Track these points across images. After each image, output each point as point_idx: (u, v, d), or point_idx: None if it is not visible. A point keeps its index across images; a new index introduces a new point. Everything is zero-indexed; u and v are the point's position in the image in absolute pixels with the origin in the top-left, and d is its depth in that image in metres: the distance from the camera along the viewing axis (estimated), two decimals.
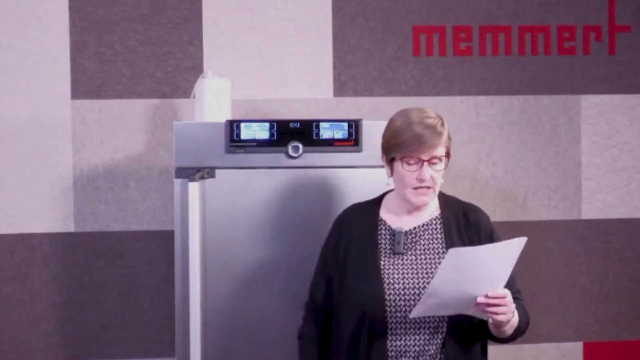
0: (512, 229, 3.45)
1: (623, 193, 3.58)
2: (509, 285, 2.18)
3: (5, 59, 3.29)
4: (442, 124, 2.28)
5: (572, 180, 3.54)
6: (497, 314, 2.14)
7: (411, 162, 2.26)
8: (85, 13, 3.32)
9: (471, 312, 2.18)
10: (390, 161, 2.32)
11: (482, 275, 2.10)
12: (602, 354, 3.56)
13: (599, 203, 3.56)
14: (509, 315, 2.17)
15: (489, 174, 3.50)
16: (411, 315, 2.19)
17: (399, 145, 2.27)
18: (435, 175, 2.28)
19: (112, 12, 3.33)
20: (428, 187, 2.28)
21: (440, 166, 2.28)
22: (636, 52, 3.57)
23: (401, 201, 2.36)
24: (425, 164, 2.25)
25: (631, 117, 3.58)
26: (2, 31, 3.29)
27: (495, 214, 3.45)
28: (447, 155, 2.30)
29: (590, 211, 3.55)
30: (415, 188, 2.28)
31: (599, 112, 3.56)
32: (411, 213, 2.36)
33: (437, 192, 2.33)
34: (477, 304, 2.13)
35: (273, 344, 2.76)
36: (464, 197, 2.52)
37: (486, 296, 2.11)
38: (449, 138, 2.31)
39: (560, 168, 3.53)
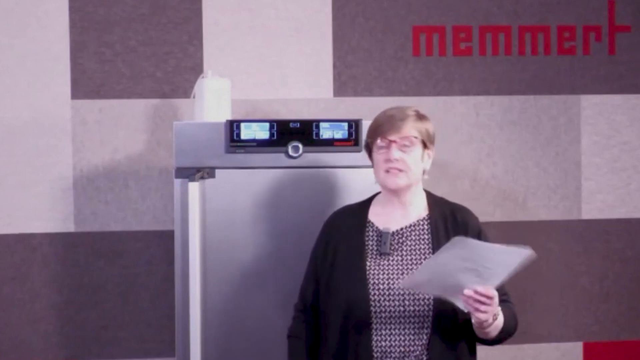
0: (512, 229, 3.46)
1: (623, 193, 3.58)
2: (498, 286, 2.17)
3: (5, 59, 3.29)
4: (418, 114, 2.32)
5: (572, 180, 3.54)
6: (479, 311, 2.13)
7: (381, 144, 2.30)
8: (85, 13, 3.32)
9: (454, 299, 2.17)
10: (370, 155, 2.37)
11: (478, 270, 2.10)
12: (602, 354, 3.56)
13: (599, 203, 3.56)
14: (489, 315, 2.16)
15: (489, 174, 3.50)
16: (400, 285, 2.23)
17: (373, 131, 2.33)
18: (406, 158, 2.28)
19: (112, 12, 3.33)
20: (400, 170, 2.28)
21: (412, 150, 2.29)
22: (636, 52, 3.57)
23: (387, 198, 2.37)
24: (393, 144, 2.28)
25: (631, 117, 3.58)
26: (2, 31, 3.29)
27: (495, 214, 3.45)
28: (424, 145, 2.31)
29: (590, 211, 3.55)
30: (387, 171, 2.30)
31: (599, 112, 3.56)
32: (398, 210, 2.36)
33: (412, 178, 2.31)
34: (463, 296, 2.13)
35: (273, 343, 2.76)
36: (463, 197, 2.53)
37: (475, 291, 2.11)
38: (429, 132, 2.33)
39: (560, 168, 3.53)
